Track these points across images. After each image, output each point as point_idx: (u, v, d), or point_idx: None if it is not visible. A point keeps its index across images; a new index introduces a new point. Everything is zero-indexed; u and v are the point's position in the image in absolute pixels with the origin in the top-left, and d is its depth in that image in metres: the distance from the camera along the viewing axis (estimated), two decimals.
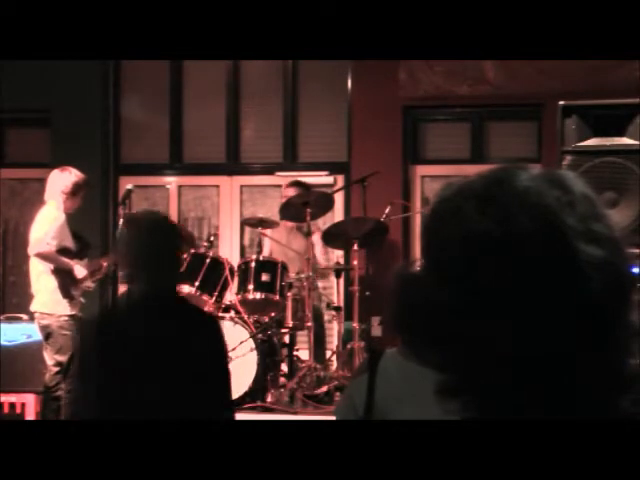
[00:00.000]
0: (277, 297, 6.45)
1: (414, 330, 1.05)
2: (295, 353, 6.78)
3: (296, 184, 7.42)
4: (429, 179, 8.35)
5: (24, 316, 7.03)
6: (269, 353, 6.34)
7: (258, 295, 6.44)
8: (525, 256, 0.97)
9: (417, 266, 1.05)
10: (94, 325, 3.25)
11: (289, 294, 6.50)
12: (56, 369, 6.14)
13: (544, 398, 0.98)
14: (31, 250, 6.26)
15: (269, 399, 6.10)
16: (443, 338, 1.01)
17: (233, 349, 6.15)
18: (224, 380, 3.22)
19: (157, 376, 2.99)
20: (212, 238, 6.92)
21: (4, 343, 6.92)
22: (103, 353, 3.03)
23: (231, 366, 6.03)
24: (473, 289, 0.98)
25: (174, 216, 8.62)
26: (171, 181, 8.87)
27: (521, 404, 0.99)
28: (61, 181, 6.39)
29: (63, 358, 6.11)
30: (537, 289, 0.96)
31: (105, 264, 6.51)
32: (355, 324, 6.54)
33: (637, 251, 4.61)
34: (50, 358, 6.16)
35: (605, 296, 0.97)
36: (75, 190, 6.41)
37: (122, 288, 7.23)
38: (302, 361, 6.66)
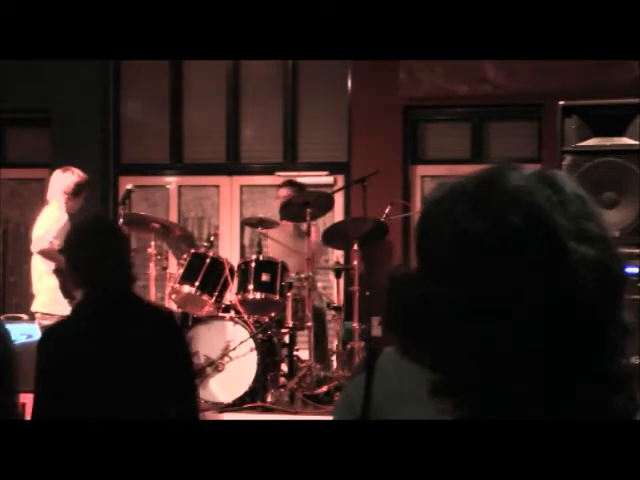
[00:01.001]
0: (277, 297, 6.44)
1: (406, 330, 1.05)
2: (295, 353, 6.77)
3: (289, 184, 7.43)
4: (429, 179, 8.34)
5: (24, 316, 7.02)
6: (269, 353, 6.34)
7: (258, 295, 6.43)
8: (517, 256, 0.97)
9: (412, 266, 1.06)
10: (46, 330, 3.29)
11: (289, 294, 6.50)
12: None
13: (537, 398, 0.98)
14: (33, 247, 6.26)
15: (269, 399, 6.10)
16: (435, 338, 1.01)
17: (233, 349, 6.16)
18: (184, 375, 3.23)
19: (111, 376, 3.02)
20: (212, 238, 6.91)
21: None
22: (54, 358, 3.08)
23: (231, 366, 6.16)
24: (465, 289, 0.99)
25: (174, 216, 8.63)
26: (171, 181, 8.87)
27: (513, 404, 0.99)
28: (63, 181, 6.39)
29: None
30: (529, 289, 0.97)
31: None
32: (355, 324, 6.54)
33: (637, 251, 4.62)
34: None
35: (597, 295, 0.97)
36: (77, 190, 6.40)
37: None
38: (302, 361, 6.66)
